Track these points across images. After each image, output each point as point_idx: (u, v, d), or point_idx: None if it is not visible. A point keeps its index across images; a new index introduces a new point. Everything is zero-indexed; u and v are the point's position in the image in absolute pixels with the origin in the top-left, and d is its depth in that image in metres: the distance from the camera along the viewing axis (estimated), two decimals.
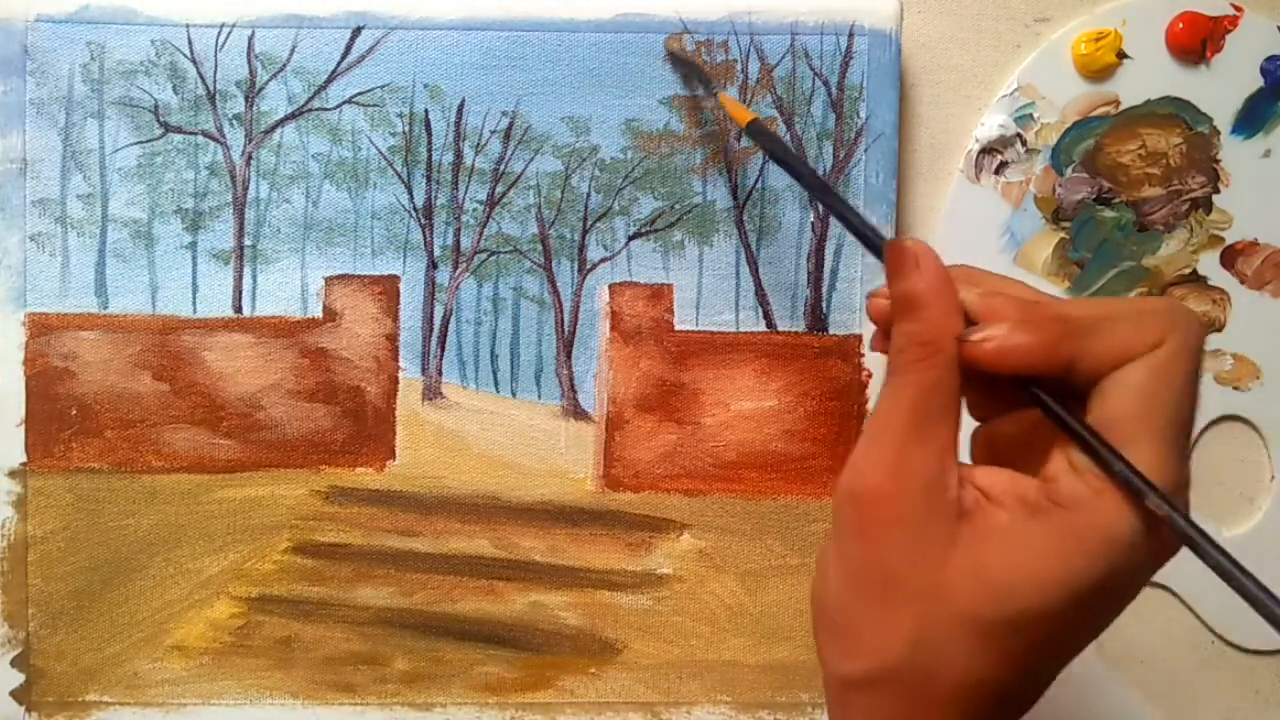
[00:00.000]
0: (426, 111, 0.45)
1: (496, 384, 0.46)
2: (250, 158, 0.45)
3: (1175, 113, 0.46)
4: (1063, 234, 0.47)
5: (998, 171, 0.47)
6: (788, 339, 0.46)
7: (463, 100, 0.45)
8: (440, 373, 0.46)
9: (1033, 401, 0.30)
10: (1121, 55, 0.46)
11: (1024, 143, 0.47)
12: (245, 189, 0.45)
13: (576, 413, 0.46)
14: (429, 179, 0.46)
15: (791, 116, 0.46)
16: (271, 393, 0.46)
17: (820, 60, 0.45)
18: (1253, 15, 0.46)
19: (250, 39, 0.45)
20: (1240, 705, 0.48)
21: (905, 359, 0.30)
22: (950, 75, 0.47)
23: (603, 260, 0.46)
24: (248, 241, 0.45)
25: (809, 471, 0.46)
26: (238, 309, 0.46)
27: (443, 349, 0.46)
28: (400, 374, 0.46)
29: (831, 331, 0.46)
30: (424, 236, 0.46)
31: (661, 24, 0.45)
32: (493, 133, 0.46)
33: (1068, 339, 0.29)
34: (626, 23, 0.45)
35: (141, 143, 0.45)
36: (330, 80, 0.45)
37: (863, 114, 0.45)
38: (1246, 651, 0.48)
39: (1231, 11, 0.46)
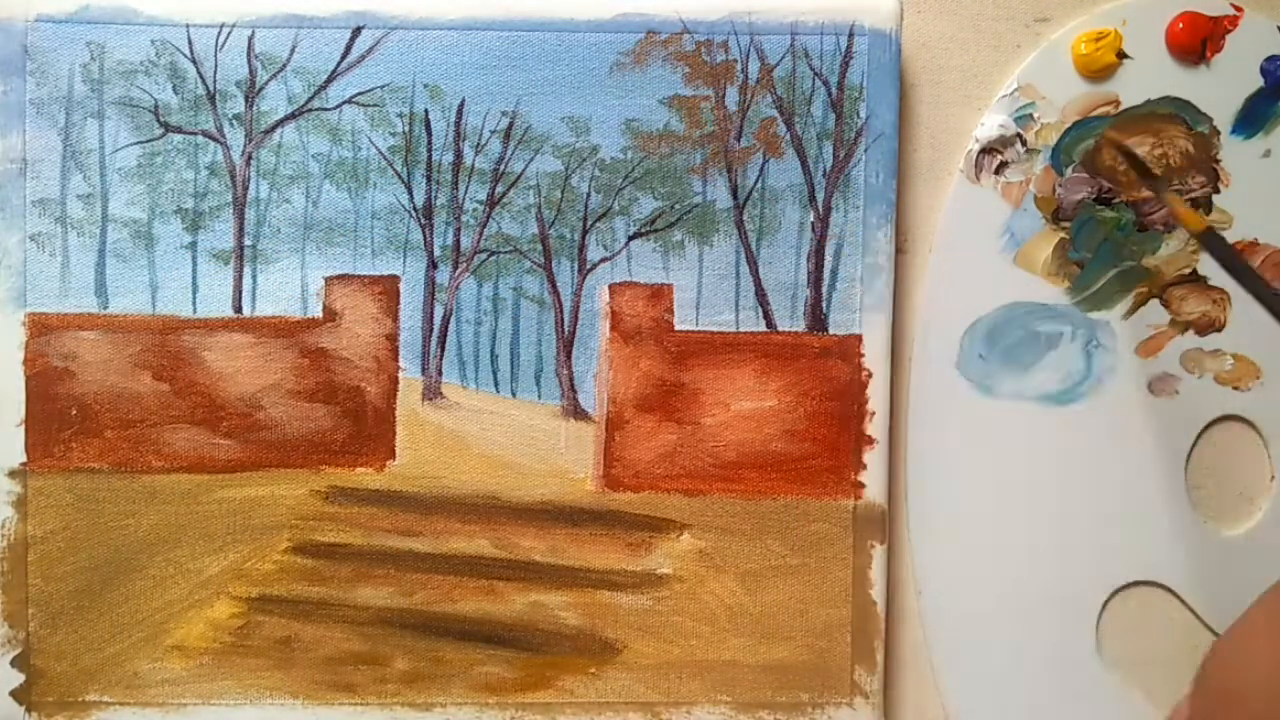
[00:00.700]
0: (426, 111, 0.45)
1: (496, 384, 0.46)
2: (250, 158, 0.45)
3: (1175, 113, 0.46)
4: (1063, 234, 0.47)
5: (998, 171, 0.47)
6: (788, 339, 0.46)
7: (463, 100, 0.45)
8: (440, 373, 0.46)
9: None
10: (1121, 55, 0.46)
11: (1024, 143, 0.47)
12: (245, 189, 0.45)
13: (576, 413, 0.46)
14: (429, 179, 0.46)
15: (791, 116, 0.46)
16: (271, 393, 0.46)
17: (820, 60, 0.45)
18: (1253, 15, 0.46)
19: (250, 39, 0.45)
20: None
21: None
22: (950, 75, 0.47)
23: (603, 260, 0.46)
24: (248, 241, 0.45)
25: (809, 471, 0.46)
26: (238, 309, 0.46)
27: (443, 349, 0.46)
28: (400, 374, 0.46)
29: (831, 331, 0.46)
30: (424, 236, 0.46)
31: (662, 24, 0.45)
32: (493, 133, 0.46)
33: None
34: (626, 23, 0.45)
35: (141, 143, 0.45)
36: (330, 80, 0.45)
37: (863, 114, 0.45)
38: None
39: (1231, 11, 0.46)
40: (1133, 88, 0.46)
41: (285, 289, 0.46)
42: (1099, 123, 0.46)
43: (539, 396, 0.46)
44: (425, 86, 0.45)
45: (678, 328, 0.46)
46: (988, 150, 0.47)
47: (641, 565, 0.46)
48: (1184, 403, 0.47)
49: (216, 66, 0.45)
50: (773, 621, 0.46)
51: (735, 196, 0.46)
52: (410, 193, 0.46)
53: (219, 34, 0.45)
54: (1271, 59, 0.46)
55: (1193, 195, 0.47)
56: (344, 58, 0.45)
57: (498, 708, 0.46)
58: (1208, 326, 0.47)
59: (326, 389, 0.46)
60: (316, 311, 0.46)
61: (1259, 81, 0.46)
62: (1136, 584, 0.47)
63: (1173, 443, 0.47)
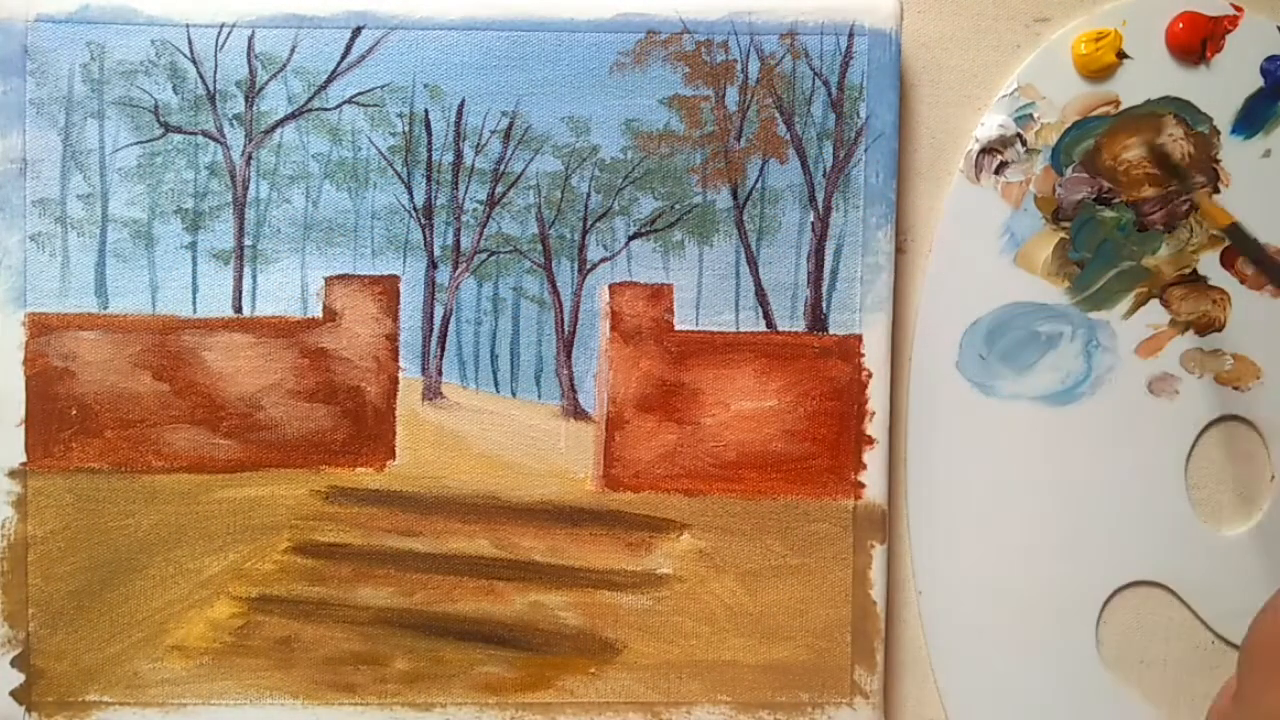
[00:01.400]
0: (426, 111, 0.45)
1: (496, 384, 0.46)
2: (250, 158, 0.45)
3: (1175, 113, 0.46)
4: (1063, 234, 0.47)
5: (998, 171, 0.47)
6: (788, 339, 0.46)
7: (463, 100, 0.45)
8: (440, 373, 0.46)
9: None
10: (1121, 55, 0.46)
11: (1024, 143, 0.47)
12: (245, 189, 0.45)
13: (576, 413, 0.46)
14: (429, 179, 0.46)
15: (791, 116, 0.46)
16: (271, 393, 0.46)
17: (820, 60, 0.45)
18: (1253, 15, 0.46)
19: (250, 39, 0.45)
20: None
21: None
22: (950, 75, 0.47)
23: (603, 260, 0.46)
24: (248, 241, 0.45)
25: (809, 471, 0.46)
26: (238, 309, 0.46)
27: (443, 349, 0.46)
28: (400, 374, 0.46)
29: (831, 331, 0.46)
30: (424, 236, 0.46)
31: (662, 24, 0.45)
32: (493, 133, 0.46)
33: None
34: (626, 23, 0.45)
35: (141, 143, 0.45)
36: (330, 80, 0.45)
37: (863, 114, 0.45)
38: None
39: (1231, 11, 0.46)
40: (1133, 88, 0.46)
41: (285, 289, 0.46)
42: (1099, 123, 0.46)
43: (539, 396, 0.46)
44: (425, 86, 0.45)
45: (678, 328, 0.46)
46: (988, 150, 0.47)
47: (641, 565, 0.46)
48: (1184, 403, 0.47)
49: (216, 66, 0.45)
50: (773, 621, 0.46)
51: (735, 196, 0.46)
52: (410, 193, 0.46)
53: (219, 34, 0.45)
54: (1271, 59, 0.46)
55: (1193, 196, 0.47)
56: (344, 58, 0.45)
57: (498, 708, 0.46)
58: (1208, 326, 0.47)
59: (326, 389, 0.46)
60: (316, 311, 0.46)
61: (1259, 81, 0.46)
62: (1136, 584, 0.47)
63: (1173, 443, 0.47)
